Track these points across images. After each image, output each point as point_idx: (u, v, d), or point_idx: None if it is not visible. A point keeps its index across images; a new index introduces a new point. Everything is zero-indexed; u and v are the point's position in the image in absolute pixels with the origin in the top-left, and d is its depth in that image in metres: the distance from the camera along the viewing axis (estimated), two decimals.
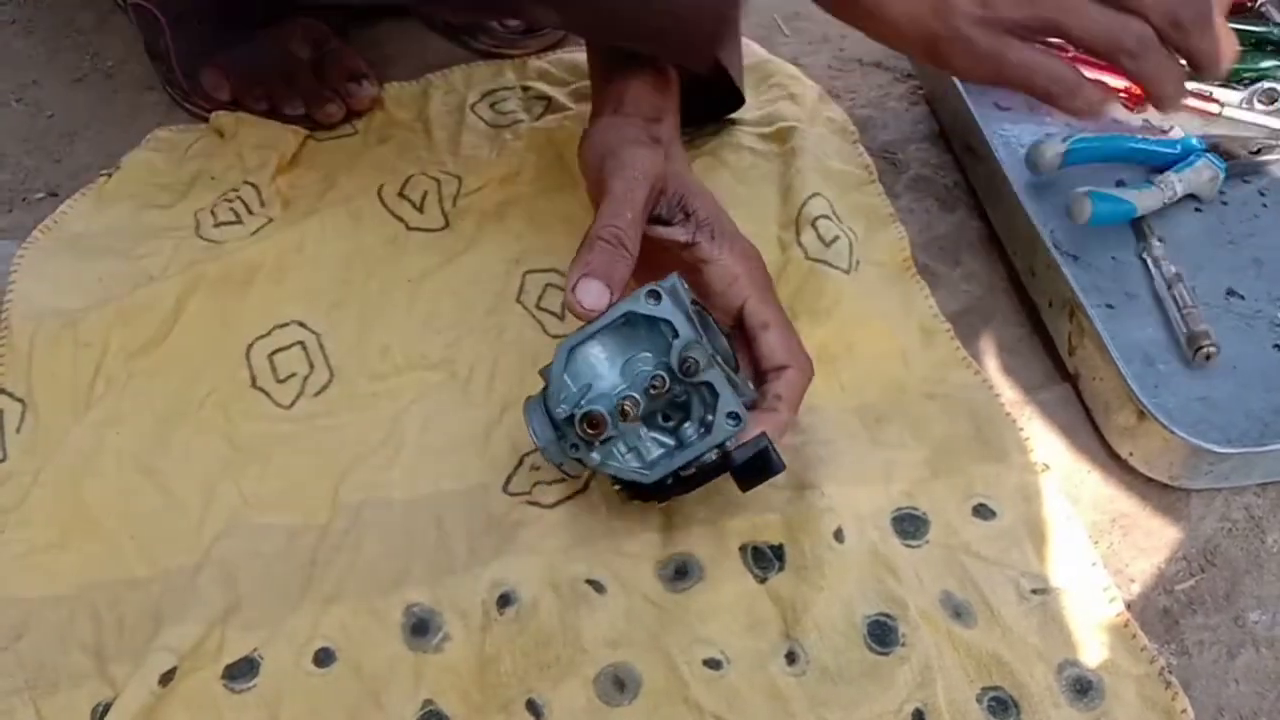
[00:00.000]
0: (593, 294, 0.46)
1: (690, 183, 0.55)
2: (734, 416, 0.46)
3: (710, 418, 0.46)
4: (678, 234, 0.52)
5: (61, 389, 0.56)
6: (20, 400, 0.56)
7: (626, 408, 0.45)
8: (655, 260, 0.51)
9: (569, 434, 0.46)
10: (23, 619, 0.48)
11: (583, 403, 0.46)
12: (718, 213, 0.54)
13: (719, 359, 0.46)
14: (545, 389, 0.47)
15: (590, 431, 0.45)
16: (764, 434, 0.47)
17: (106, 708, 0.45)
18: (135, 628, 0.48)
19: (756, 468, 0.47)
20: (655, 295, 0.45)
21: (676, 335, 0.45)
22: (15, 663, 0.47)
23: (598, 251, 0.47)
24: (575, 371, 0.46)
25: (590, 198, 0.57)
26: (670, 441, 0.48)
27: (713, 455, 0.47)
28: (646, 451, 0.48)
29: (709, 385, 0.46)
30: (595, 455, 0.47)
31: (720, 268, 0.52)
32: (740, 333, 0.52)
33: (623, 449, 0.47)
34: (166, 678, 0.45)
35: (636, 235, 0.49)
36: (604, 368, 0.47)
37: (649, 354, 0.47)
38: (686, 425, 0.47)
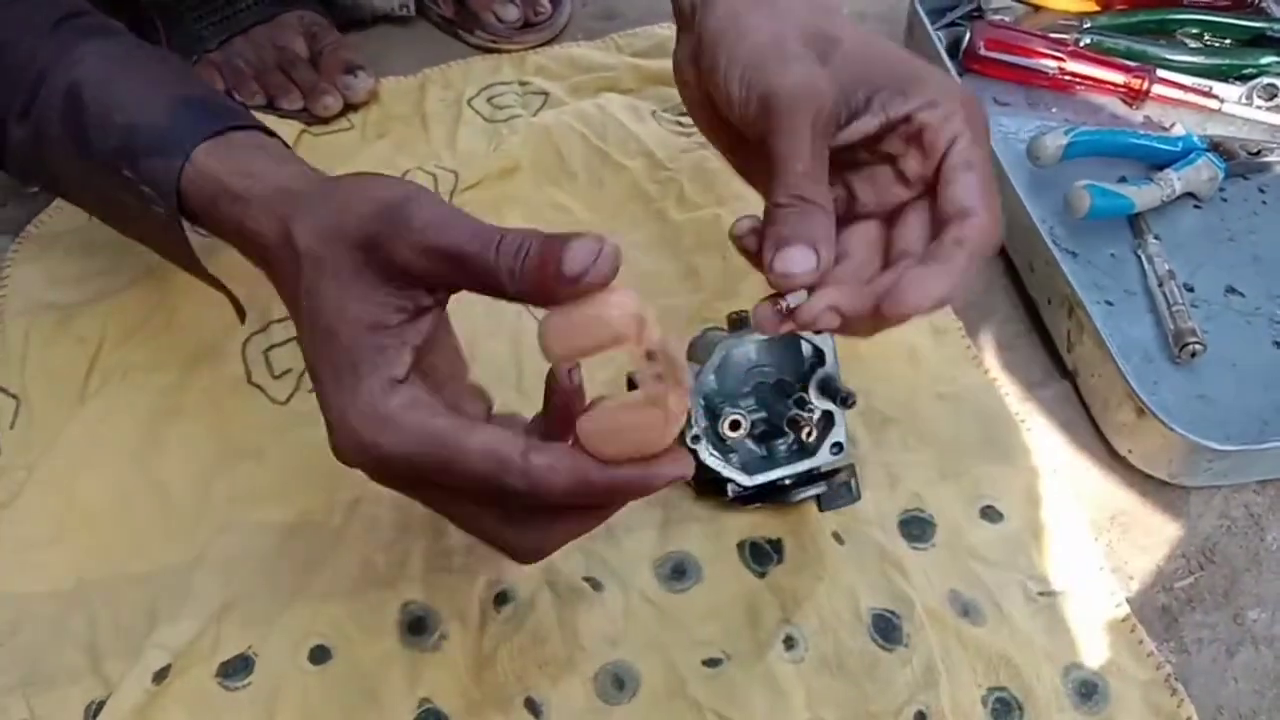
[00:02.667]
0: (797, 259, 0.39)
1: (853, 55, 0.42)
2: (839, 447, 0.50)
3: (809, 440, 0.50)
4: (868, 125, 0.41)
5: (56, 384, 0.56)
6: (14, 396, 0.55)
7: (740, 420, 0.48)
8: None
9: (692, 425, 0.48)
10: (16, 615, 0.48)
11: (725, 406, 0.48)
12: (887, 60, 0.43)
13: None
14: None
15: (731, 434, 0.48)
16: (853, 465, 0.51)
17: (100, 705, 0.45)
18: (129, 625, 0.48)
19: (840, 495, 0.51)
20: None
21: (820, 362, 0.50)
22: (9, 659, 0.46)
23: (779, 220, 0.39)
24: (723, 369, 0.49)
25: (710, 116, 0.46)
26: (759, 450, 0.50)
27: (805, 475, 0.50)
28: (741, 454, 0.50)
29: (827, 413, 0.50)
30: (707, 448, 0.48)
31: (931, 111, 0.41)
32: (938, 175, 0.42)
33: (711, 447, 0.49)
34: (161, 675, 0.45)
35: (822, 178, 0.40)
36: (739, 370, 0.50)
37: (771, 368, 0.50)
38: (779, 441, 0.50)
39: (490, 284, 0.34)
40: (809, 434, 0.48)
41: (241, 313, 0.51)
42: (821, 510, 0.51)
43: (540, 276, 0.33)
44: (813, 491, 0.50)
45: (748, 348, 0.50)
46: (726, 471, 0.49)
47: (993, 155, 0.65)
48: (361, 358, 0.35)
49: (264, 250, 0.40)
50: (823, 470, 0.51)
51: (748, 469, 0.49)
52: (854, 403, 0.48)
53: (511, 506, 0.36)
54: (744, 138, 0.43)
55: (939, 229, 0.41)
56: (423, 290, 0.36)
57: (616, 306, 0.33)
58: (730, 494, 0.50)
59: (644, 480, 0.35)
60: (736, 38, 0.42)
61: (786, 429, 0.48)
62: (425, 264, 0.35)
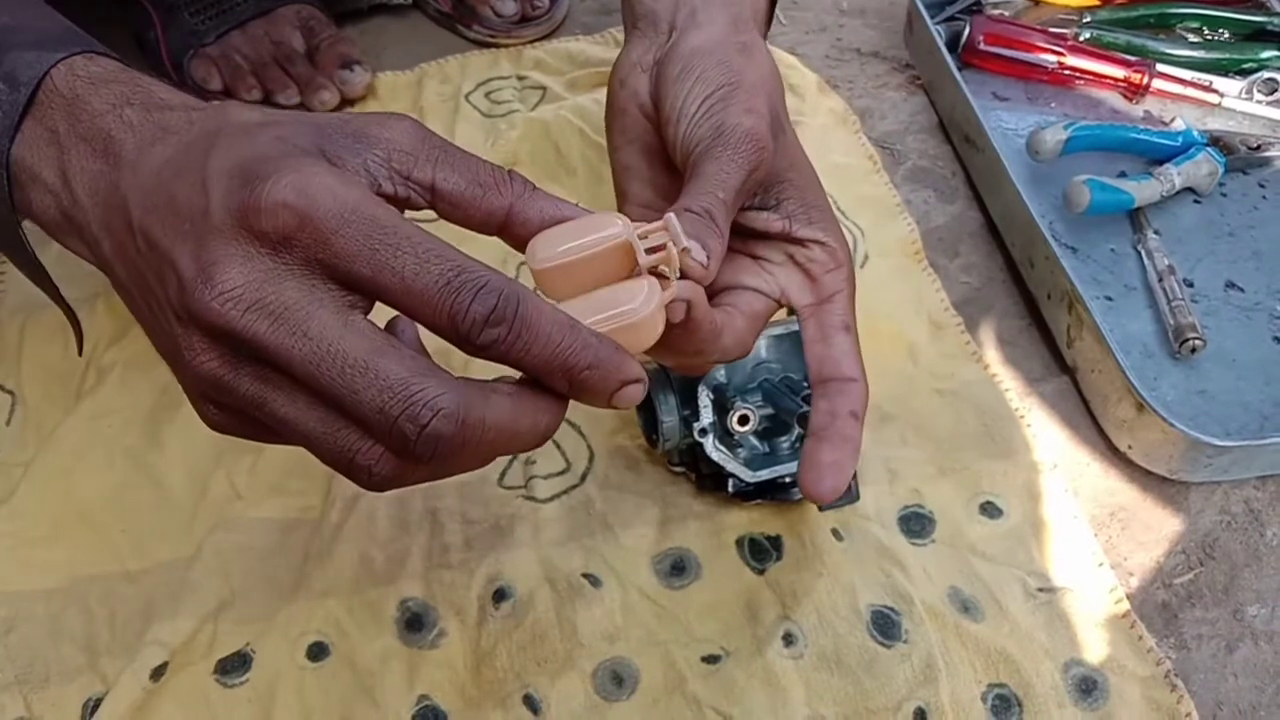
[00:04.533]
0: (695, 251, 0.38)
1: (788, 152, 0.45)
2: None
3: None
4: (772, 222, 0.44)
5: (52, 381, 0.56)
6: (10, 392, 0.55)
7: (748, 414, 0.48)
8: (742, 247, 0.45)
9: (700, 418, 0.48)
10: (13, 612, 0.48)
11: (735, 400, 0.48)
12: (812, 184, 0.46)
13: None
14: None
15: (739, 428, 0.47)
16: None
17: (98, 702, 0.44)
18: (127, 622, 0.47)
19: (841, 495, 0.49)
20: None
21: None
22: (5, 657, 0.46)
23: (687, 220, 0.38)
24: (731, 364, 0.49)
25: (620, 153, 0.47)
26: (761, 447, 0.50)
27: None
28: (745, 450, 0.50)
29: None
30: (713, 442, 0.48)
31: (826, 250, 0.45)
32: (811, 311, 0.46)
33: (716, 441, 0.49)
34: (158, 672, 0.45)
35: (730, 217, 0.40)
36: (746, 366, 0.50)
37: (778, 365, 0.50)
38: (782, 438, 0.50)
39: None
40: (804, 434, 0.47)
41: (79, 335, 0.46)
42: (821, 510, 0.51)
43: None
44: None
45: (757, 344, 0.50)
46: (731, 466, 0.49)
47: (992, 150, 0.65)
48: (305, 153, 0.31)
49: (160, 109, 0.34)
50: None
51: (751, 465, 0.49)
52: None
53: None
54: (655, 147, 0.45)
55: (817, 387, 0.45)
56: None
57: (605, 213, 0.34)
58: (732, 489, 0.50)
59: (613, 358, 0.32)
60: (715, 66, 0.43)
61: (795, 424, 0.48)
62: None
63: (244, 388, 0.31)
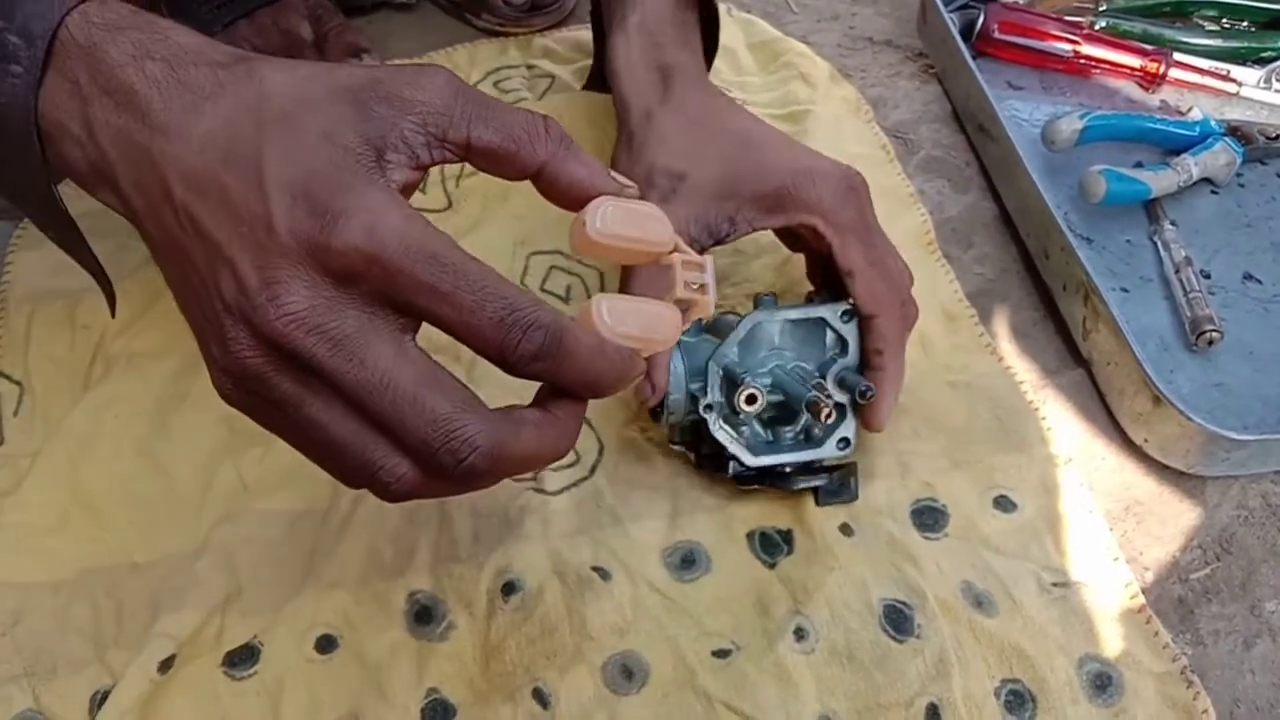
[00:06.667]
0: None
1: (708, 180, 0.50)
2: (846, 442, 0.50)
3: (817, 432, 0.49)
4: (739, 232, 0.51)
5: (59, 371, 0.55)
6: (18, 383, 0.55)
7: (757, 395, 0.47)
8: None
9: (707, 394, 0.48)
10: (20, 604, 0.47)
11: (746, 377, 0.47)
12: (765, 176, 0.50)
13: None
14: (713, 345, 0.49)
15: (746, 407, 0.47)
16: (856, 464, 0.51)
17: (105, 695, 0.44)
18: (134, 614, 0.47)
19: (841, 491, 0.51)
20: (849, 315, 0.49)
21: (842, 352, 0.50)
22: (13, 649, 0.46)
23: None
24: (746, 343, 0.49)
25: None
26: (764, 435, 0.50)
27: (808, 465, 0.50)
28: (748, 435, 0.49)
29: (840, 406, 0.49)
30: (717, 420, 0.48)
31: (799, 222, 0.50)
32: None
33: (720, 420, 0.48)
34: (166, 665, 0.45)
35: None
36: (760, 348, 0.49)
37: (792, 353, 0.50)
38: (787, 429, 0.50)
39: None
40: (827, 415, 0.47)
41: (112, 301, 0.46)
42: (819, 504, 0.50)
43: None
44: (814, 482, 0.50)
45: (773, 327, 0.49)
46: (733, 447, 0.48)
47: (1007, 139, 0.65)
48: (359, 164, 0.32)
49: (183, 64, 0.34)
50: (825, 463, 0.50)
51: (753, 449, 0.49)
52: (872, 395, 0.47)
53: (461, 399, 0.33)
54: None
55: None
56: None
57: (664, 219, 0.36)
58: (731, 472, 0.49)
59: (632, 366, 0.35)
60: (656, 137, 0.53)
61: (804, 410, 0.48)
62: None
63: (283, 388, 0.33)
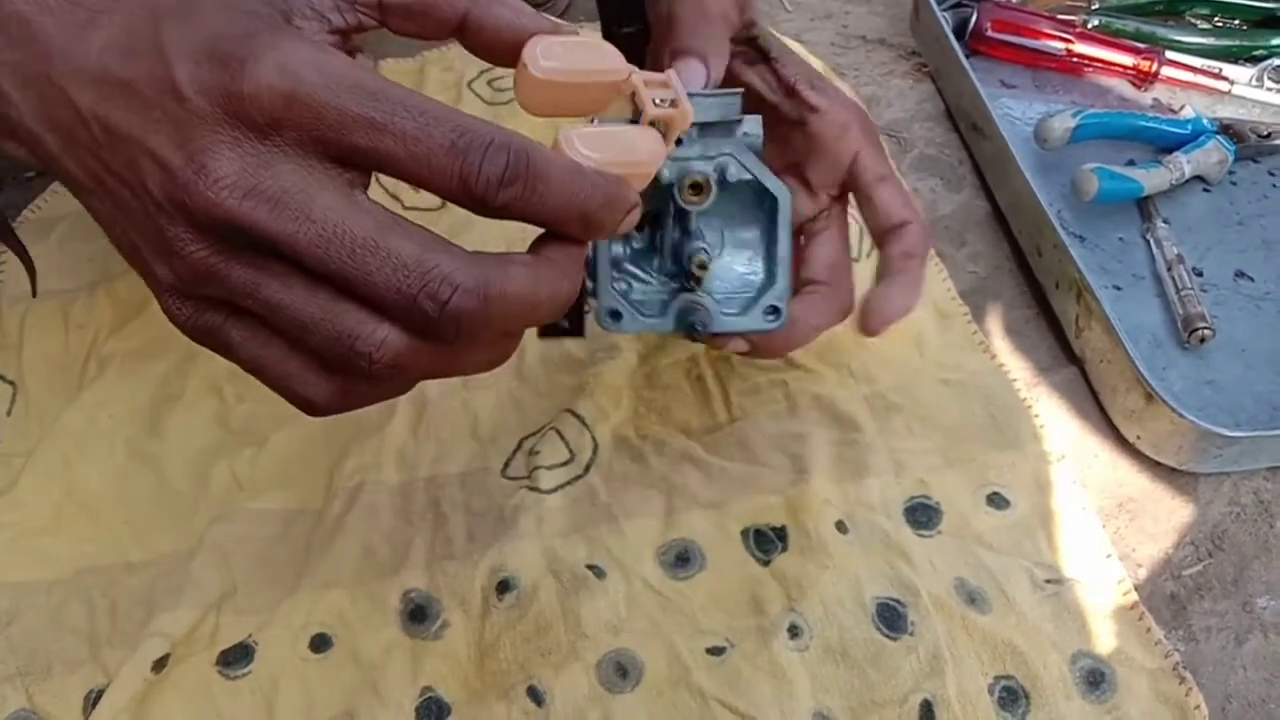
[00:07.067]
0: (691, 69, 0.40)
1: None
2: (775, 312, 0.45)
3: (685, 264, 0.44)
4: (774, 80, 0.46)
5: (53, 371, 0.55)
6: (11, 383, 0.55)
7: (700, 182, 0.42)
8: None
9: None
10: (14, 604, 0.47)
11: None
12: (805, 61, 0.48)
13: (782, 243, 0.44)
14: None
15: (693, 197, 0.42)
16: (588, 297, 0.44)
17: (100, 694, 0.44)
18: (128, 613, 0.47)
19: (566, 329, 0.45)
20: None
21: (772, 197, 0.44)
22: (7, 648, 0.46)
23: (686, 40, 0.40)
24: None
25: None
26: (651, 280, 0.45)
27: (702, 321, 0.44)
28: (646, 290, 0.45)
29: (769, 256, 0.44)
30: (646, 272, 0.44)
31: (828, 117, 0.46)
32: (853, 191, 0.48)
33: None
34: (160, 664, 0.45)
35: (722, 60, 0.42)
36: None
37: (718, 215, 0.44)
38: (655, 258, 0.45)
39: None
40: (683, 259, 0.43)
41: (32, 271, 0.44)
42: (540, 336, 0.46)
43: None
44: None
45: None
46: (645, 327, 0.44)
47: (1000, 138, 0.65)
48: (264, 23, 0.29)
49: None
50: (749, 334, 0.46)
51: (646, 301, 0.45)
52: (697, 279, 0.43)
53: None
54: None
55: (879, 240, 0.47)
56: None
57: (607, 45, 0.33)
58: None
59: (621, 191, 0.32)
60: None
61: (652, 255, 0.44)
62: None
63: (235, 275, 0.30)
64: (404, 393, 0.33)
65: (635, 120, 0.34)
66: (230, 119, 0.28)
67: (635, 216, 0.33)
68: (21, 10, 0.31)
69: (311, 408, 0.33)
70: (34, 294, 0.45)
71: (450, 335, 0.29)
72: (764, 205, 0.45)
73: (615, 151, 0.31)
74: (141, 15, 0.30)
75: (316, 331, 0.30)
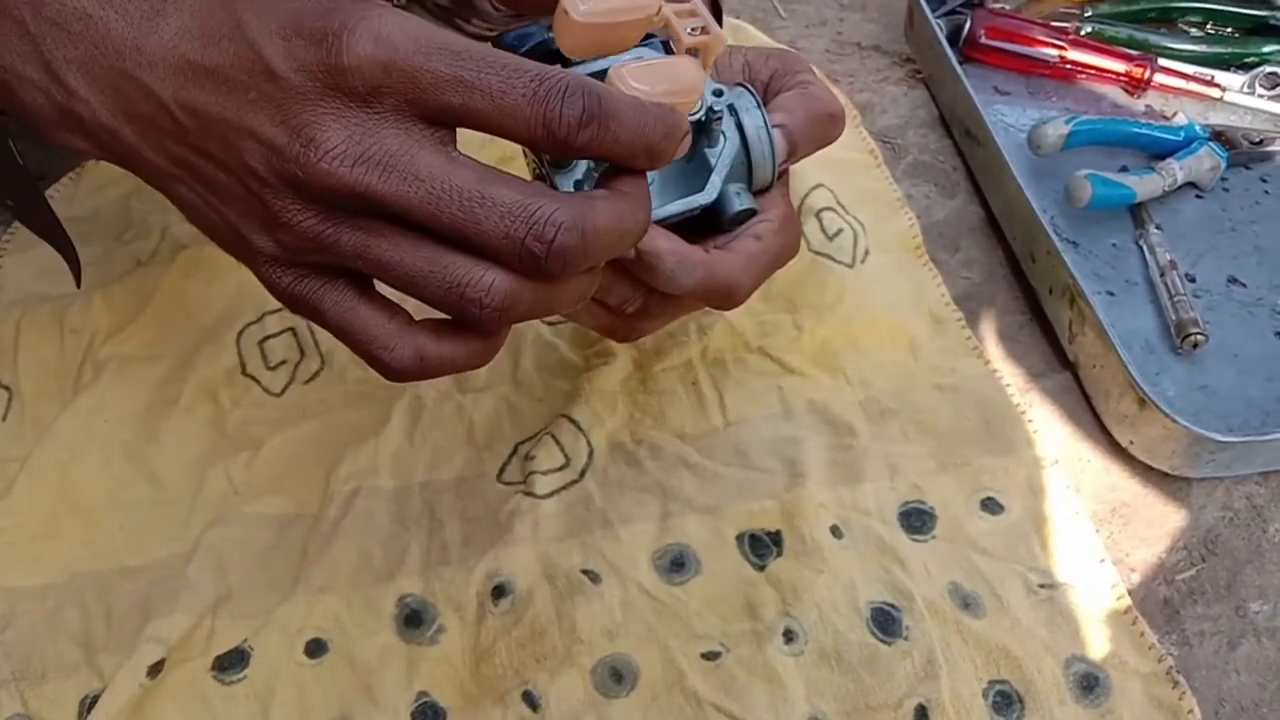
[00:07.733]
0: None
1: None
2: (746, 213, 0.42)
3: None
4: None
5: (48, 376, 0.55)
6: (6, 387, 0.55)
7: None
8: None
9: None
10: (9, 609, 0.47)
11: None
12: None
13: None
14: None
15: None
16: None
17: (94, 699, 0.44)
18: (124, 618, 0.47)
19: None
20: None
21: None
22: (1, 653, 0.46)
23: None
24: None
25: None
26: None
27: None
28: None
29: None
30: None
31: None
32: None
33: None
34: (155, 669, 0.45)
35: None
36: None
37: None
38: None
39: None
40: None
41: (77, 270, 0.44)
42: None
43: None
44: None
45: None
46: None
47: (994, 144, 0.65)
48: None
49: None
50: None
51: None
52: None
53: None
54: None
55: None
56: None
57: None
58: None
59: (678, 120, 0.33)
60: None
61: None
62: None
63: (345, 240, 0.31)
64: (492, 357, 0.35)
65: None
66: (332, 91, 0.30)
67: (689, 143, 0.34)
68: (83, 6, 0.32)
69: (390, 371, 0.34)
70: (78, 286, 0.47)
71: (556, 271, 0.31)
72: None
73: (665, 83, 0.33)
74: (213, 0, 0.31)
75: (427, 284, 0.31)
